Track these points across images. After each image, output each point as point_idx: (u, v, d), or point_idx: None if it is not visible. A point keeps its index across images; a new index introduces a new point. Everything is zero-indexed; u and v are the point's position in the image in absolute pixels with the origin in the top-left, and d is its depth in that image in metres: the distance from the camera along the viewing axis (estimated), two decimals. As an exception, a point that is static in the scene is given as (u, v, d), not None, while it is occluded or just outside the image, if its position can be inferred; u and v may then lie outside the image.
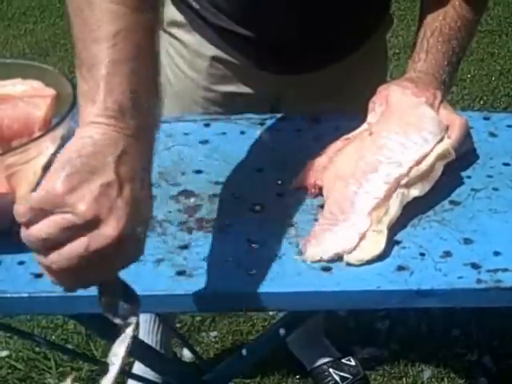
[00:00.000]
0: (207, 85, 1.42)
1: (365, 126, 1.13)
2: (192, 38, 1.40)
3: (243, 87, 1.41)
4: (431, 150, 1.04)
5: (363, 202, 1.00)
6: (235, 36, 1.34)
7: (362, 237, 0.97)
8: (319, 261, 0.95)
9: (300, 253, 0.96)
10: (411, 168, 1.02)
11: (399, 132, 1.06)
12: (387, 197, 1.00)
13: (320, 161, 1.10)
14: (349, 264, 0.95)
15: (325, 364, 2.06)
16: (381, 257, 0.95)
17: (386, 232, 0.97)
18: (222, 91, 1.42)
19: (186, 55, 1.43)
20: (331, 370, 2.04)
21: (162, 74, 1.32)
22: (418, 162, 1.03)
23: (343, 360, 2.07)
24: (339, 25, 1.33)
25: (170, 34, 1.43)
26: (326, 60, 1.37)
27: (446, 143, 1.06)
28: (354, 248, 0.95)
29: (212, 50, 1.39)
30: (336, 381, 2.03)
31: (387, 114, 1.11)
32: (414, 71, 1.16)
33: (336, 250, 0.95)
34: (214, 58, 1.39)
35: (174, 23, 1.41)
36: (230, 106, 1.40)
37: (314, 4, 1.28)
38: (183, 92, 1.45)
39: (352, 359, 2.07)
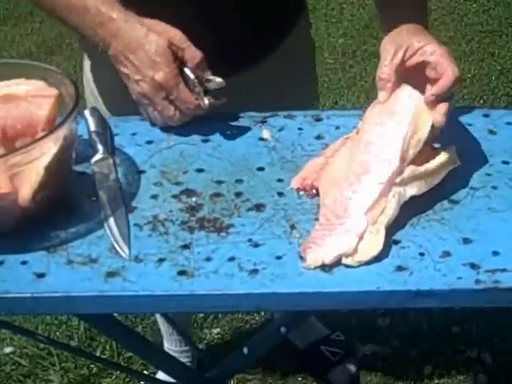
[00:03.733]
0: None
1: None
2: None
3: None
4: (412, 132, 1.04)
5: (358, 204, 1.00)
6: None
7: (361, 237, 0.97)
8: (321, 266, 0.95)
9: (301, 258, 0.96)
10: (402, 163, 1.02)
11: (378, 123, 1.07)
12: (382, 196, 1.00)
13: (317, 161, 1.11)
14: (347, 266, 0.95)
15: (315, 342, 2.12)
16: (379, 257, 0.96)
17: (383, 232, 0.98)
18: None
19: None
20: (322, 346, 2.10)
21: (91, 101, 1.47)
22: (405, 152, 1.03)
23: (332, 336, 2.13)
24: (252, 27, 1.35)
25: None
26: (243, 62, 1.38)
27: (450, 151, 1.07)
28: (355, 249, 0.96)
29: None
30: (328, 356, 2.09)
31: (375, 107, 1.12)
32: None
33: (337, 252, 0.95)
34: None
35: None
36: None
37: (225, 9, 1.31)
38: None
39: (340, 334, 2.13)
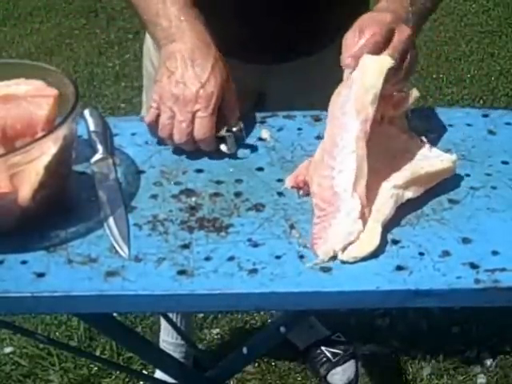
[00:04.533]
0: None
1: None
2: None
3: None
4: (363, 89, 1.03)
5: (342, 182, 1.00)
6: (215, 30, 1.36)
7: (363, 217, 0.97)
8: (333, 257, 0.95)
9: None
10: (365, 123, 1.01)
11: (337, 94, 1.06)
12: (361, 162, 0.99)
13: (308, 159, 1.11)
14: (344, 262, 0.95)
15: (316, 342, 2.12)
16: (375, 254, 0.96)
17: (379, 229, 0.98)
18: None
19: None
20: (322, 347, 2.11)
21: (148, 69, 1.40)
22: (363, 110, 1.02)
23: (333, 337, 2.13)
24: (319, 15, 1.37)
25: None
26: (307, 48, 1.41)
27: (452, 160, 1.07)
28: (362, 231, 0.96)
29: None
30: (328, 357, 2.09)
31: None
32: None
33: (345, 239, 0.96)
34: None
35: None
36: None
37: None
38: None
39: (341, 335, 2.13)
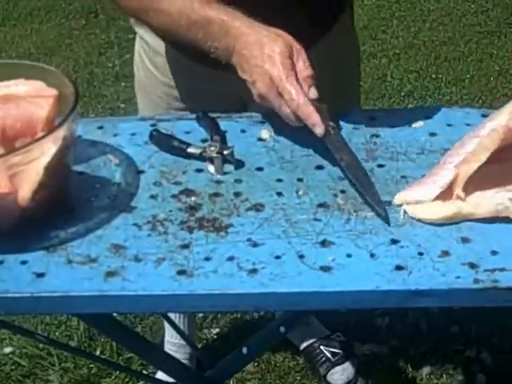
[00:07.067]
0: (166, 81, 1.48)
1: None
2: (151, 38, 1.46)
3: (206, 84, 1.42)
4: None
5: (454, 159, 1.05)
6: None
7: (448, 191, 1.02)
8: (400, 204, 1.03)
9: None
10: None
11: None
12: (478, 150, 1.02)
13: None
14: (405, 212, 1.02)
15: (315, 342, 2.12)
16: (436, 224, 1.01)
17: (453, 210, 1.01)
18: (184, 87, 1.44)
19: (148, 52, 1.51)
20: (322, 346, 2.11)
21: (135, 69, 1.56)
22: None
23: (332, 336, 2.13)
24: (301, 17, 1.34)
25: (137, 33, 1.52)
26: None
27: None
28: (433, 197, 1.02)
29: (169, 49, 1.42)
30: (327, 357, 2.09)
31: None
32: None
33: (420, 197, 1.03)
34: (169, 55, 1.43)
35: (138, 22, 1.45)
36: (193, 102, 1.40)
37: None
38: (149, 86, 1.54)
39: (341, 335, 2.13)
